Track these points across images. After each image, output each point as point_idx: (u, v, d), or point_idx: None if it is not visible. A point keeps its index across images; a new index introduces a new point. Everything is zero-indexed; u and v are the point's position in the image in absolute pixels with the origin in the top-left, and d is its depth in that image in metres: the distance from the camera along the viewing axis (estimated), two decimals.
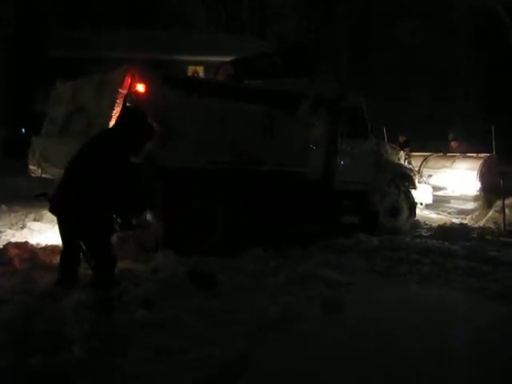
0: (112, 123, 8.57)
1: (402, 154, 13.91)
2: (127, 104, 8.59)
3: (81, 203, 6.03)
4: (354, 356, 5.03)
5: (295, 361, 4.92)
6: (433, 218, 14.63)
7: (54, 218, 10.09)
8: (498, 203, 13.57)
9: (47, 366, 4.53)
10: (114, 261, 6.45)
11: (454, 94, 26.59)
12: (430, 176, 15.35)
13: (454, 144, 17.73)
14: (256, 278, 7.67)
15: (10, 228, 10.99)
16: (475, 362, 4.95)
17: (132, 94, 8.62)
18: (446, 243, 10.65)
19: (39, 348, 4.83)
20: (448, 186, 15.69)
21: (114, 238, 9.77)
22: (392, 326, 5.78)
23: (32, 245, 9.02)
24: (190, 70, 25.67)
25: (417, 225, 13.16)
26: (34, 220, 11.43)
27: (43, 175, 9.97)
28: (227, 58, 13.63)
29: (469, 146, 16.97)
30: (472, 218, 14.53)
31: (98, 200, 6.05)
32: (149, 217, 9.03)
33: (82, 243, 6.37)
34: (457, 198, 15.80)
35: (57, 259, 8.25)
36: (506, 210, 12.96)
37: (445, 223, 13.28)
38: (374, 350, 5.15)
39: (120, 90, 8.63)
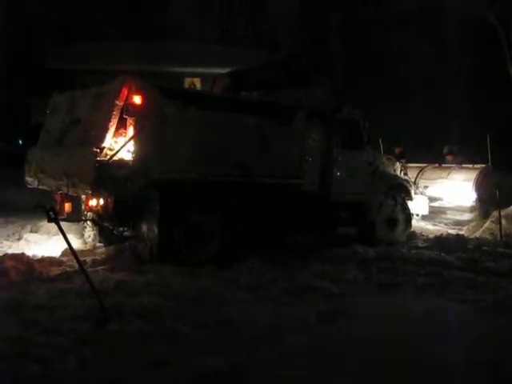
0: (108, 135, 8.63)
1: (398, 165, 13.93)
2: (123, 115, 8.65)
3: None
4: (349, 367, 5.03)
5: (291, 371, 4.91)
6: (429, 229, 14.62)
7: (51, 230, 10.23)
8: (495, 214, 13.57)
9: (42, 377, 4.53)
10: None
11: (448, 105, 26.66)
12: (426, 187, 15.34)
13: (449, 158, 17.74)
14: (252, 290, 7.68)
15: (6, 239, 11.00)
16: (469, 374, 4.96)
17: (128, 106, 8.65)
18: (442, 254, 10.66)
19: (34, 358, 4.83)
20: (444, 196, 15.68)
21: (111, 250, 9.83)
22: (387, 337, 5.78)
23: (28, 256, 9.03)
24: (187, 81, 25.72)
25: (413, 236, 13.16)
26: (31, 231, 11.43)
27: (40, 187, 9.98)
28: (224, 70, 13.68)
29: (464, 160, 16.97)
30: (468, 228, 14.53)
31: None
32: (144, 229, 9.05)
33: None
34: (453, 209, 15.79)
35: (53, 271, 8.32)
36: (503, 221, 12.97)
37: (441, 234, 13.28)
38: (369, 360, 5.16)
39: (116, 102, 8.67)
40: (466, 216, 15.45)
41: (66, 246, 6.76)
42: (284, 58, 14.12)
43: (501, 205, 13.21)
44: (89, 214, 10.04)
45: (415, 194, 13.68)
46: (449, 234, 13.46)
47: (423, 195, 14.39)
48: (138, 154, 8.58)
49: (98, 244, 10.48)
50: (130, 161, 8.62)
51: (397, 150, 15.67)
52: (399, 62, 27.06)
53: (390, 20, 27.66)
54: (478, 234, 13.53)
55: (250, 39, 32.99)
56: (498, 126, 19.66)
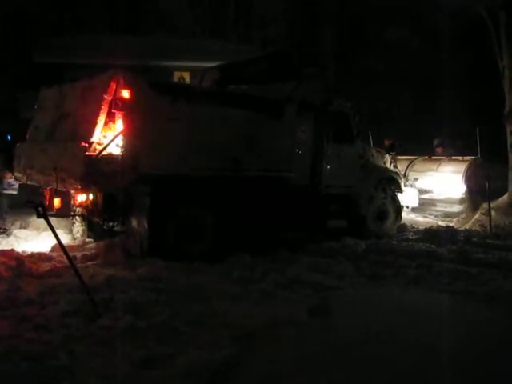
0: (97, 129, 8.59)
1: (387, 157, 13.94)
2: (112, 110, 8.60)
3: None
4: (340, 360, 5.03)
5: (282, 365, 4.91)
6: (419, 222, 14.66)
7: (40, 226, 10.18)
8: (484, 206, 13.64)
9: (33, 373, 4.50)
10: None
11: (439, 98, 26.72)
12: (415, 179, 15.38)
13: (439, 150, 17.81)
14: (244, 283, 7.67)
15: None
16: (460, 367, 4.96)
17: (117, 100, 8.60)
18: (433, 246, 10.70)
19: (25, 355, 4.80)
20: (434, 189, 15.74)
21: (101, 245, 9.79)
22: (378, 330, 5.78)
23: (18, 252, 8.99)
24: (176, 75, 25.61)
25: (403, 228, 13.18)
26: (20, 227, 11.38)
27: (29, 182, 9.92)
28: (213, 64, 13.61)
29: (453, 152, 17.03)
30: (458, 220, 14.59)
31: None
32: (134, 223, 9.01)
33: None
34: (443, 201, 15.86)
35: (43, 267, 8.28)
36: (492, 213, 13.03)
37: (431, 226, 13.31)
38: (362, 353, 5.16)
39: (105, 96, 8.62)
40: (456, 208, 15.53)
41: (55, 241, 6.71)
42: (274, 51, 14.09)
43: (490, 196, 13.27)
44: (78, 209, 9.99)
45: (405, 186, 13.71)
46: (439, 226, 13.50)
47: (413, 187, 14.43)
48: (127, 148, 8.54)
49: (88, 239, 10.45)
50: (119, 155, 8.58)
51: (386, 143, 15.69)
52: (390, 55, 27.10)
53: (380, 14, 27.68)
54: (467, 226, 13.60)
55: (240, 33, 32.90)
56: (489, 118, 19.69)
